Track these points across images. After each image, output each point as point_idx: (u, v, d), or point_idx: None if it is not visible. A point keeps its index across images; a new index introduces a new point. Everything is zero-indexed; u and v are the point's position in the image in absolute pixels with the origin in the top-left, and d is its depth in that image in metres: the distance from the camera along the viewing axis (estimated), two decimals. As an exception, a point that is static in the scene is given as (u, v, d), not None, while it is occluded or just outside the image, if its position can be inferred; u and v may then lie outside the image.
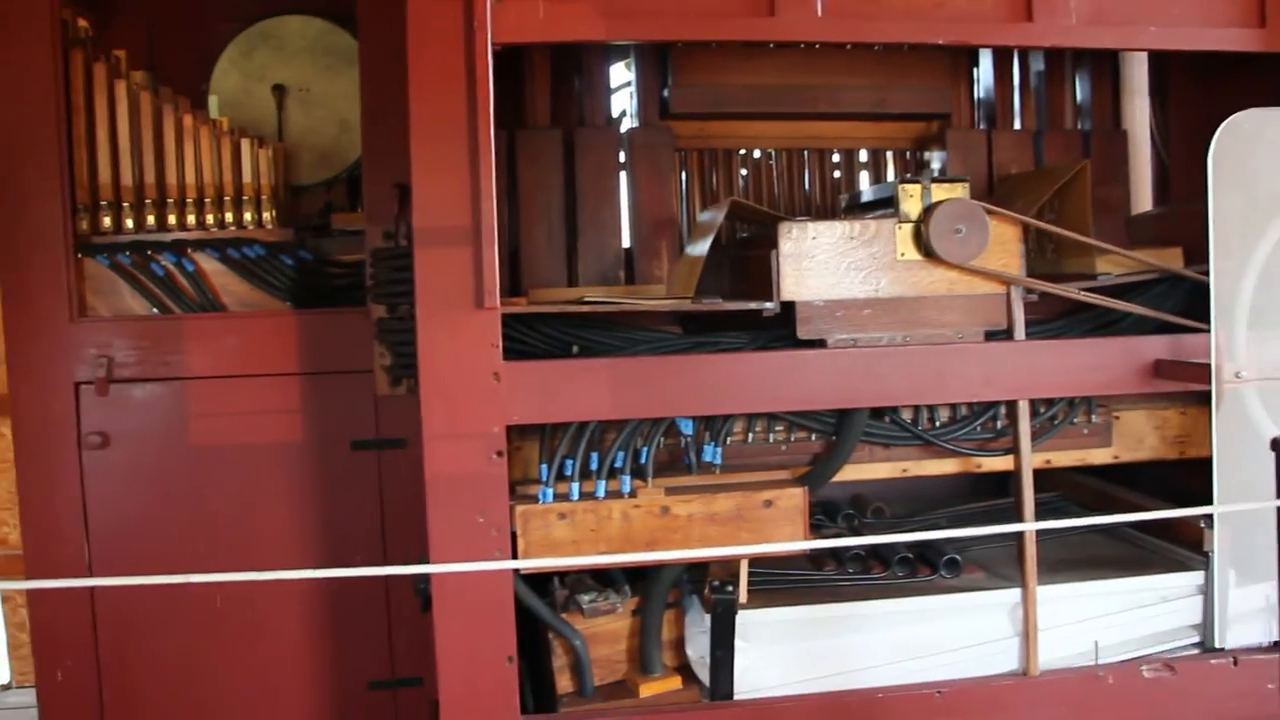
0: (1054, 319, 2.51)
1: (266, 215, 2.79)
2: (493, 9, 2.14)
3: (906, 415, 2.45)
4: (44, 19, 2.64)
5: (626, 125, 2.90)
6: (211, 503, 2.77)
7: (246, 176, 2.79)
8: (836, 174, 3.00)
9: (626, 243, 2.76)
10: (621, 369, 2.23)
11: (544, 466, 2.28)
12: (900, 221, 2.31)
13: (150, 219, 2.77)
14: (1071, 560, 2.55)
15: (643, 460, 2.29)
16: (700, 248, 2.43)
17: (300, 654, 2.80)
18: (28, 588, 2.69)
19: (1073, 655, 2.40)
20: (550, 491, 2.25)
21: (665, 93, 2.75)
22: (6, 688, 3.67)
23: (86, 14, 2.83)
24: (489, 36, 2.14)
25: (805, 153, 2.98)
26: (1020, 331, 2.35)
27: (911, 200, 2.33)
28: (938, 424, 2.46)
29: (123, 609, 2.72)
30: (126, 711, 2.76)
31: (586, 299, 2.34)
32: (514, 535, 2.23)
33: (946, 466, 2.50)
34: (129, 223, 2.76)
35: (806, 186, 2.98)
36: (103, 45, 2.81)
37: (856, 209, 2.80)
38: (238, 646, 2.78)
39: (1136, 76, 3.02)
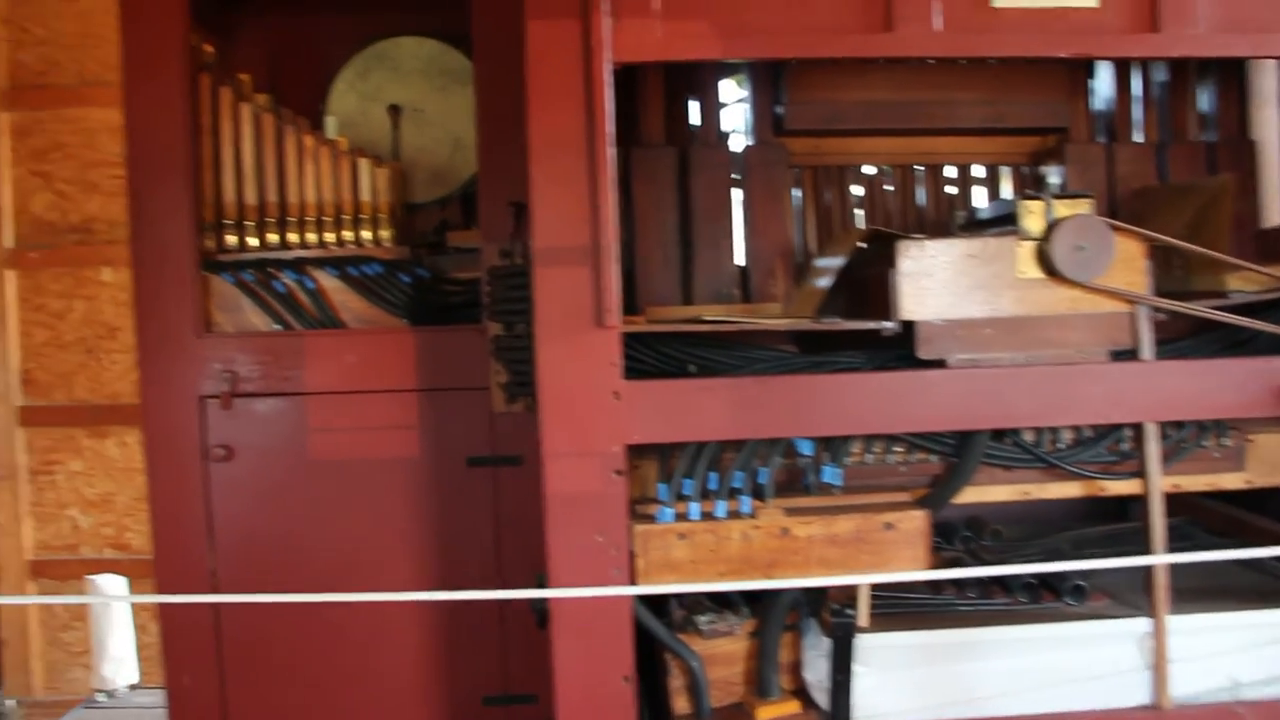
0: (1181, 338, 2.42)
1: (384, 233, 2.83)
2: (611, 29, 2.16)
3: (1028, 437, 2.38)
4: (177, 45, 2.72)
5: (739, 142, 2.89)
6: (330, 515, 2.81)
7: (364, 195, 2.84)
8: (950, 190, 2.94)
9: (740, 260, 2.74)
10: (741, 389, 2.22)
11: (662, 486, 2.27)
12: (1021, 239, 2.26)
13: (272, 237, 2.83)
14: (1202, 589, 2.45)
15: (761, 480, 2.27)
16: (826, 278, 2.42)
17: (415, 667, 2.83)
18: (157, 601, 2.76)
19: (1207, 690, 2.31)
20: (670, 511, 2.24)
21: (779, 109, 2.73)
22: (135, 688, 3.79)
23: (212, 38, 2.91)
24: (607, 56, 2.15)
25: (919, 168, 2.93)
26: (1148, 351, 2.28)
27: (1033, 217, 2.28)
28: (1060, 446, 2.40)
29: (246, 617, 2.77)
30: (250, 717, 2.82)
31: (706, 318, 2.33)
32: (632, 555, 2.23)
33: (1069, 490, 2.43)
34: (252, 241, 2.83)
35: (920, 202, 2.93)
36: (227, 69, 2.89)
37: (974, 226, 2.75)
38: (355, 657, 2.82)
39: (1266, 85, 2.91)
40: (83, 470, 4.19)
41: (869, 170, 2.94)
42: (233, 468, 2.81)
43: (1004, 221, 2.44)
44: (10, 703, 4.16)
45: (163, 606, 2.85)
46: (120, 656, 3.77)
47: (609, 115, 2.14)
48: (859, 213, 2.92)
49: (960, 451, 2.36)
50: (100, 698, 3.76)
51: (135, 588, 3.92)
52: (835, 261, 2.46)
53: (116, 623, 3.75)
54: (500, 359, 2.65)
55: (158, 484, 2.82)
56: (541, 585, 2.38)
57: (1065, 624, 2.33)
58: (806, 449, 2.32)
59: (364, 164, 2.83)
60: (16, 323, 4.11)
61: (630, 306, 2.70)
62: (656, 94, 2.74)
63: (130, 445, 4.11)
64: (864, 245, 2.44)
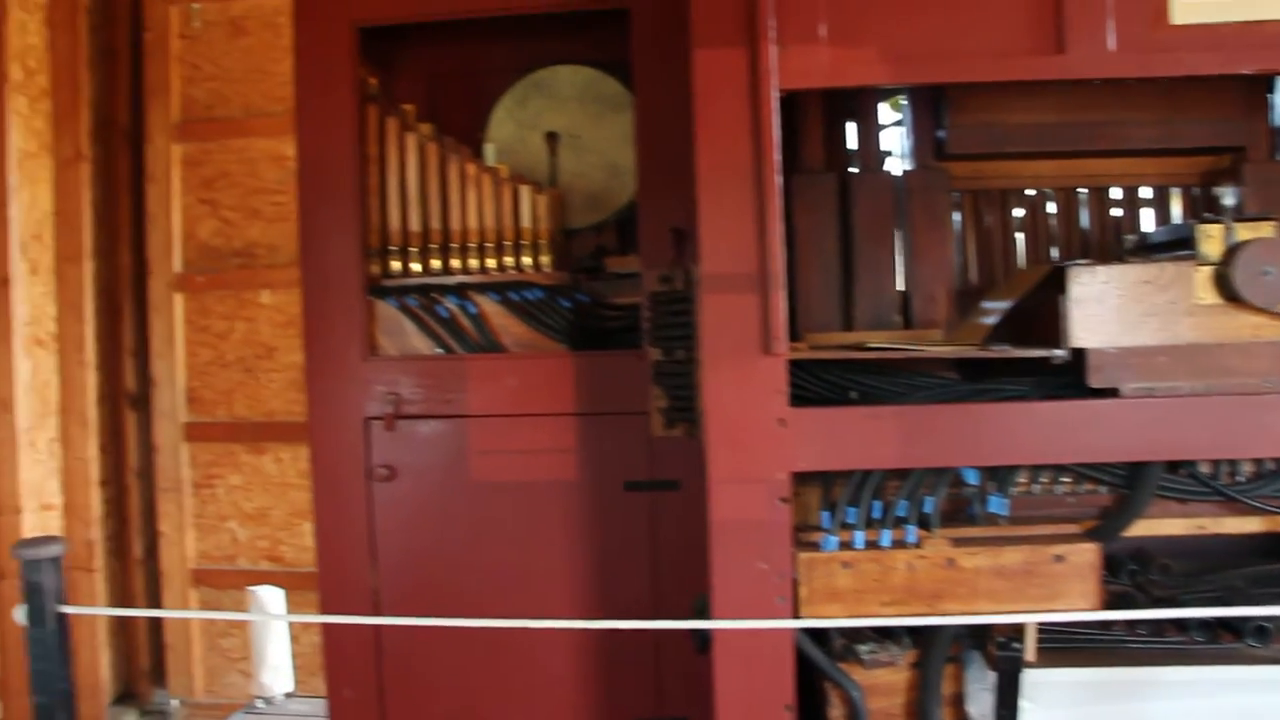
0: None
1: (544, 259, 2.89)
2: (777, 56, 2.17)
3: (1205, 469, 2.30)
4: (346, 79, 2.84)
5: (897, 166, 2.87)
6: (490, 536, 2.88)
7: (525, 221, 2.90)
8: (1116, 212, 2.86)
9: (901, 285, 2.72)
10: (907, 417, 2.20)
11: (826, 514, 2.27)
12: (1198, 264, 2.19)
13: (435, 263, 2.92)
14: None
15: (927, 510, 2.25)
16: (999, 307, 2.38)
17: (570, 685, 2.87)
18: (322, 620, 2.86)
19: None
20: (834, 539, 2.24)
21: (940, 133, 2.70)
22: (290, 695, 3.94)
23: (375, 71, 3.02)
24: (774, 83, 2.17)
25: (1083, 191, 2.86)
26: (1340, 381, 2.18)
27: (1212, 241, 2.20)
28: (1240, 479, 2.31)
29: (406, 634, 2.85)
30: (409, 731, 2.90)
31: (870, 344, 2.32)
32: (795, 582, 2.22)
33: (1249, 525, 2.33)
34: (416, 266, 2.92)
35: (1084, 226, 2.86)
36: (391, 100, 2.99)
37: (1145, 250, 2.66)
38: (511, 674, 2.88)
39: None
40: (241, 484, 4.36)
41: (1030, 193, 2.88)
42: (395, 487, 2.90)
43: (1177, 245, 2.37)
44: (175, 702, 4.36)
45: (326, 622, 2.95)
46: (278, 665, 3.92)
47: (776, 143, 2.16)
48: (1019, 236, 2.87)
49: (1132, 483, 2.29)
50: (259, 704, 3.90)
51: (289, 599, 4.06)
52: (1004, 304, 2.42)
53: (274, 633, 3.89)
54: (660, 384, 2.68)
55: (323, 502, 2.93)
56: (701, 608, 2.40)
57: (1248, 667, 2.24)
58: (972, 478, 2.28)
59: (524, 190, 2.90)
60: (183, 342, 4.31)
61: (790, 332, 2.70)
62: (816, 119, 2.74)
63: (285, 461, 4.27)
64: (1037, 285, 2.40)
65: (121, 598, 4.41)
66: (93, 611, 4.17)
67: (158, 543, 4.42)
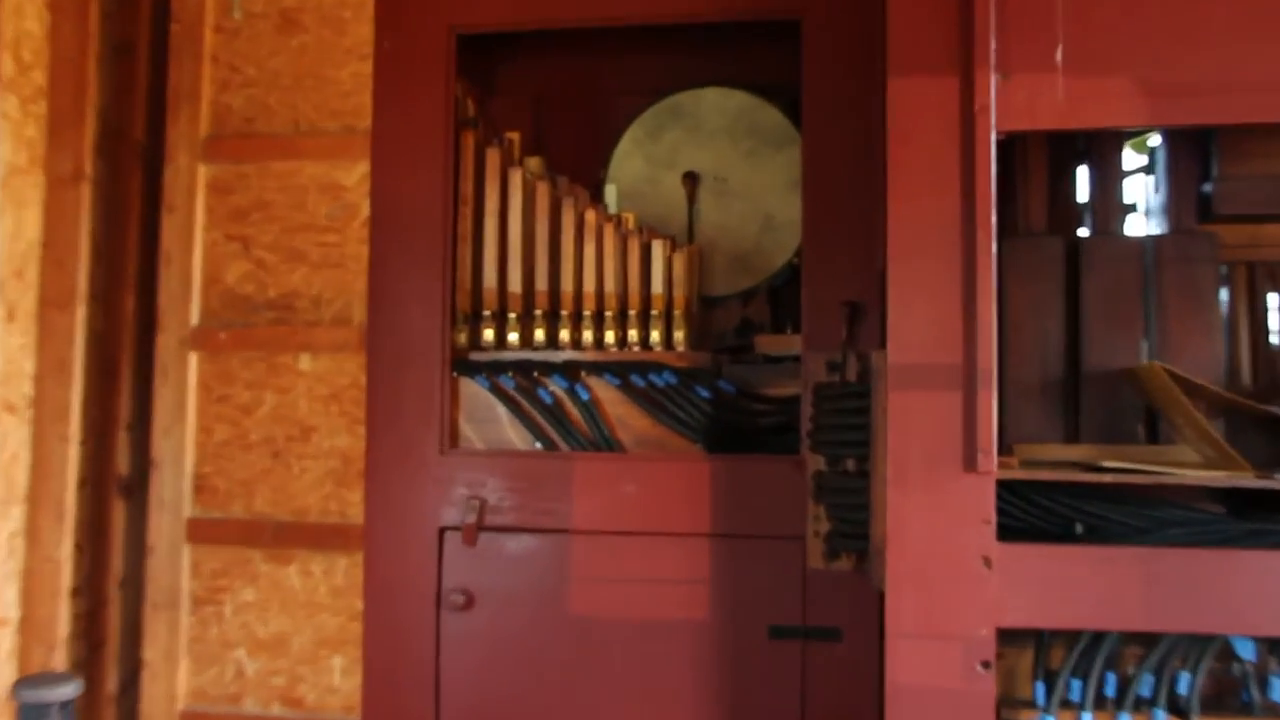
0: None
1: (677, 334, 3.02)
2: (998, 89, 2.26)
3: None
4: (440, 98, 3.03)
5: (1143, 227, 2.93)
6: (589, 686, 2.97)
7: (655, 285, 3.04)
8: None
9: (1146, 387, 2.75)
10: (1156, 563, 2.23)
11: (1040, 686, 2.31)
12: None
13: (540, 334, 3.07)
14: None
15: (1181, 690, 2.27)
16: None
17: None
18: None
19: None
20: (1052, 721, 2.27)
21: (1206, 186, 2.75)
22: None
23: (474, 89, 3.19)
24: (993, 122, 2.26)
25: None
26: None
27: None
28: None
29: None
30: None
31: (1106, 463, 2.36)
32: (998, 773, 2.26)
33: None
34: (514, 337, 3.07)
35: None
36: (491, 125, 3.16)
37: None
38: None
39: None
40: (255, 601, 4.47)
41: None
42: (471, 619, 3.02)
43: None
44: None
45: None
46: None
47: (992, 200, 2.24)
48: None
49: None
50: None
51: (311, 757, 4.15)
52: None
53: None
54: (822, 501, 2.75)
55: (376, 632, 3.07)
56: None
57: None
58: (1246, 651, 2.31)
59: (656, 246, 3.04)
60: (195, 415, 4.47)
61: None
62: (1039, 166, 2.82)
63: (315, 575, 4.39)
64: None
65: (86, 747, 4.53)
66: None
67: (140, 674, 4.53)
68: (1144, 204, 3.03)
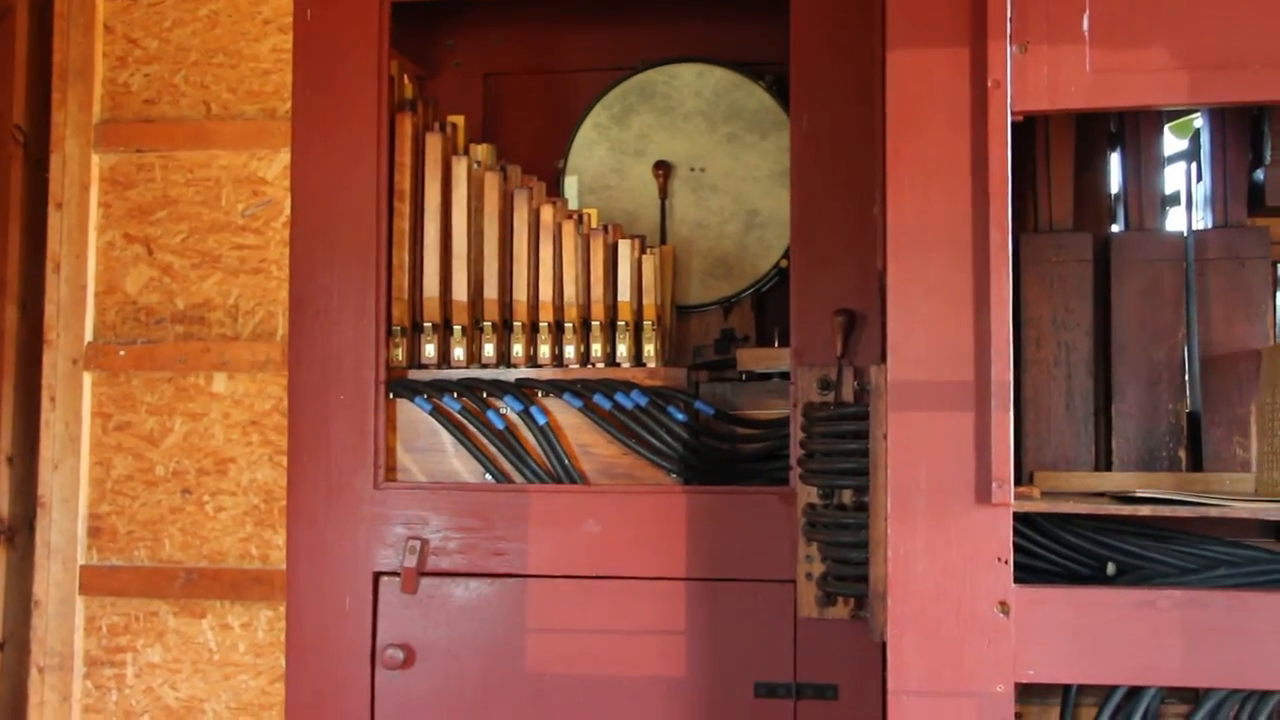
0: None
1: (649, 348, 3.04)
2: (1014, 62, 2.29)
3: None
4: (371, 76, 3.04)
5: (1184, 222, 2.97)
6: (552, 759, 2.98)
7: (623, 293, 3.06)
8: None
9: (1188, 404, 2.79)
10: (1201, 608, 2.24)
11: (1068, 751, 2.35)
12: None
13: (488, 349, 3.09)
14: None
15: (1231, 756, 2.31)
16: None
17: None
18: None
19: None
20: (1082, 791, 2.30)
21: (1259, 174, 2.78)
22: None
23: (410, 65, 3.21)
24: (1008, 101, 2.28)
25: None
26: None
27: None
28: None
29: None
30: None
31: (1142, 493, 2.39)
32: None
33: None
34: (459, 353, 3.09)
35: None
36: (432, 107, 3.18)
37: None
38: None
39: None
40: (163, 662, 4.47)
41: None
42: (411, 679, 3.02)
43: None
44: None
45: None
46: None
47: (1007, 191, 2.26)
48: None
49: None
50: None
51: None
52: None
53: None
54: (815, 539, 2.77)
55: (300, 696, 3.07)
56: None
57: None
58: (1308, 709, 2.34)
59: (623, 246, 3.06)
60: (90, 446, 4.47)
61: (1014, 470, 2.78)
62: (1064, 152, 2.84)
63: (234, 630, 4.40)
64: None
65: None
66: None
67: (24, 755, 4.52)
68: (1185, 195, 3.05)
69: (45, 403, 4.45)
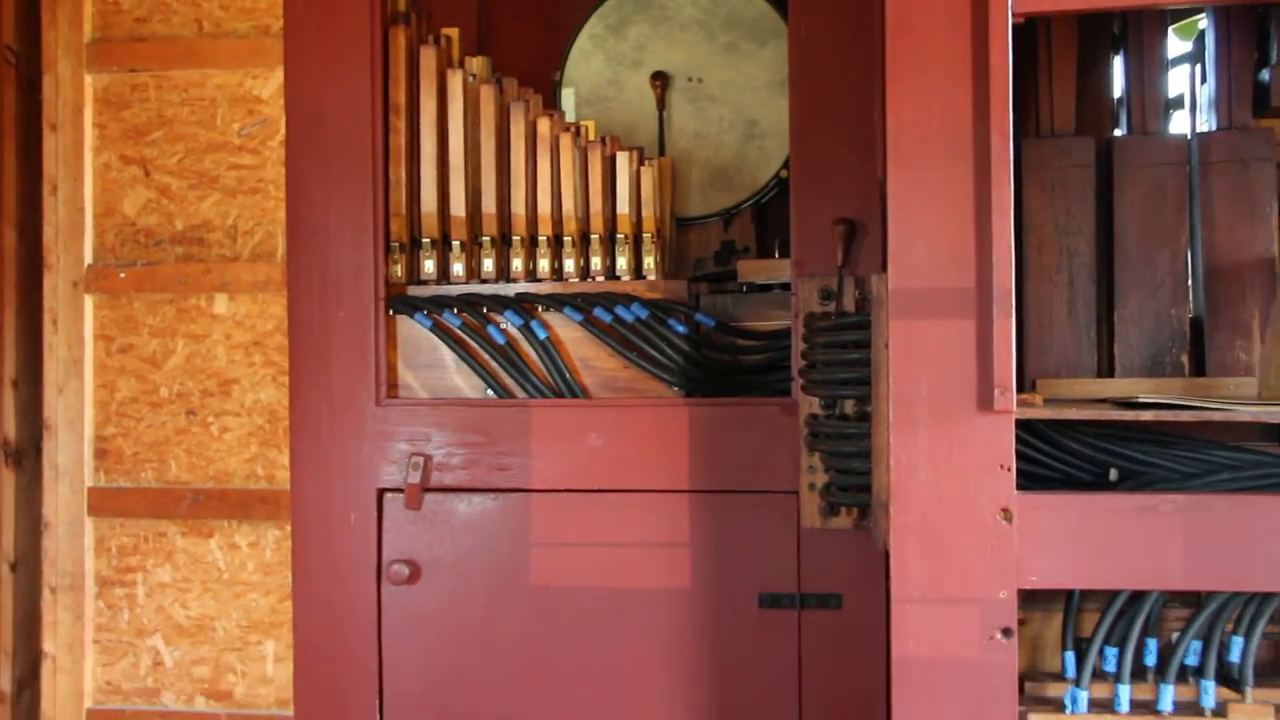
0: None
1: (649, 261, 3.03)
2: (1015, -36, 2.26)
3: None
4: (360, -17, 3.01)
5: (1188, 125, 2.94)
6: (554, 666, 3.01)
7: (622, 206, 3.04)
8: None
9: (1191, 309, 2.78)
10: (1203, 512, 2.24)
11: (1069, 656, 2.35)
12: None
13: (487, 264, 3.08)
14: None
15: (1234, 658, 2.31)
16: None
17: None
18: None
19: None
20: (1084, 696, 2.31)
21: (1265, 74, 2.75)
22: None
23: (404, -25, 3.17)
24: (1009, 5, 2.25)
25: None
26: None
27: None
28: None
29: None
30: None
31: (1145, 398, 2.38)
32: (1022, 757, 2.30)
33: None
34: (459, 269, 3.08)
35: None
36: (426, 20, 3.15)
37: None
38: None
39: None
40: (172, 582, 4.50)
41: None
42: (417, 594, 3.04)
43: None
44: None
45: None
46: None
47: (1009, 96, 2.24)
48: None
49: None
50: None
51: (242, 756, 4.19)
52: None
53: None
54: (817, 450, 2.77)
55: (307, 613, 3.09)
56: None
57: None
58: (1309, 612, 2.35)
59: (621, 158, 3.03)
60: (94, 369, 4.47)
61: (1017, 378, 2.77)
62: (1066, 55, 2.81)
63: (241, 549, 4.42)
64: None
65: (-28, 761, 4.55)
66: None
67: (39, 668, 4.56)
68: (1189, 98, 3.02)
69: (47, 326, 4.45)
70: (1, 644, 4.53)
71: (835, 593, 2.89)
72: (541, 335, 3.04)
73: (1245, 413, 2.31)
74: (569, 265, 3.07)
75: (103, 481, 4.49)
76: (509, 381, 3.06)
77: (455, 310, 3.06)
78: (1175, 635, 2.34)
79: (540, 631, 3.01)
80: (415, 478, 3.00)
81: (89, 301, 4.44)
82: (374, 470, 3.04)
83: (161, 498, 4.44)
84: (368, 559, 3.05)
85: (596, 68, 3.25)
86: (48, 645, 4.50)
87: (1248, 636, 2.31)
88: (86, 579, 4.52)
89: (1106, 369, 2.74)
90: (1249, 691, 2.30)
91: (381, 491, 3.04)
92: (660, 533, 2.96)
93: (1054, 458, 2.44)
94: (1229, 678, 2.32)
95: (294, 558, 3.09)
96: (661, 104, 3.23)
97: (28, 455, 4.54)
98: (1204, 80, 2.92)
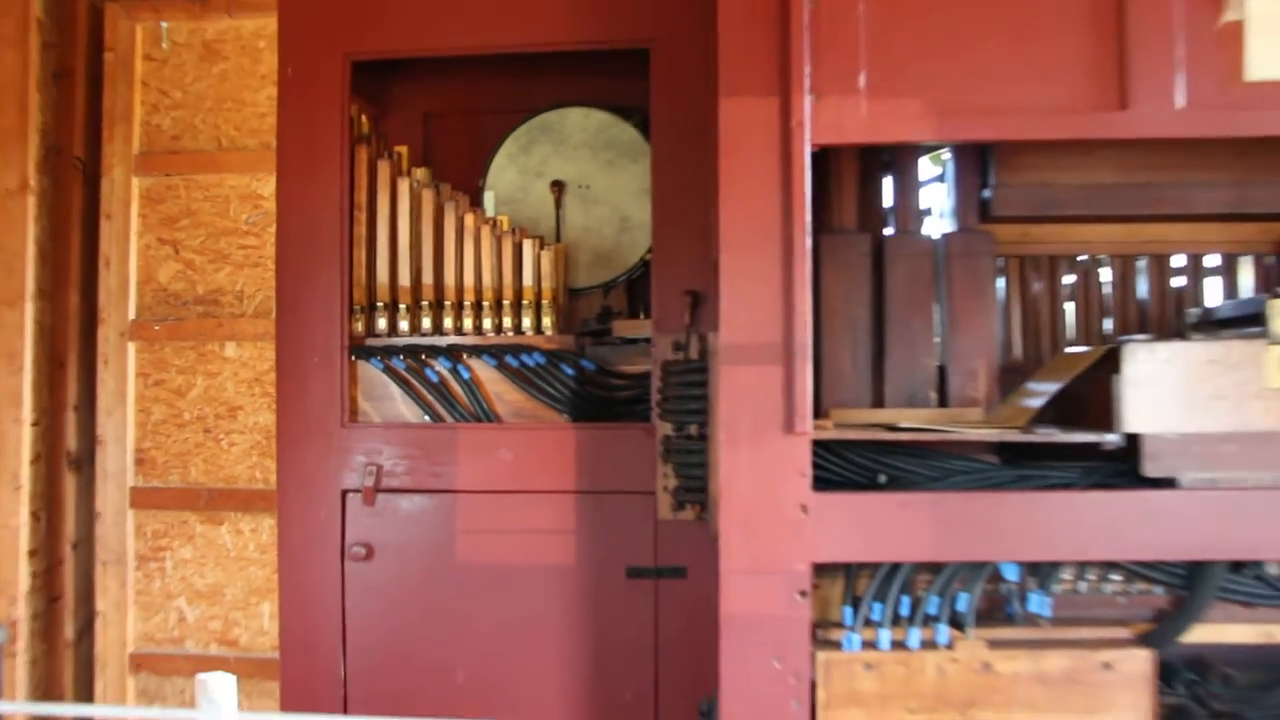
0: None
1: (546, 320, 3.04)
2: (811, 109, 2.31)
3: (1274, 570, 2.39)
4: (336, 117, 3.00)
5: (937, 227, 2.99)
6: (474, 624, 2.99)
7: (527, 279, 3.06)
8: (1178, 282, 2.98)
9: (938, 359, 2.82)
10: (942, 505, 2.30)
11: (848, 610, 2.38)
12: (1271, 342, 2.28)
13: (426, 322, 3.08)
14: None
15: (960, 608, 2.35)
16: (1047, 389, 2.49)
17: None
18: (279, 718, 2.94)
19: None
20: (856, 638, 2.34)
21: (986, 192, 2.81)
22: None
23: (366, 107, 3.17)
24: (807, 136, 2.30)
25: (1142, 259, 2.98)
26: None
27: (1285, 319, 2.31)
28: (1315, 582, 2.39)
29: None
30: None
31: (903, 424, 2.43)
32: (813, 684, 2.32)
33: (1325, 634, 2.42)
34: (404, 325, 3.08)
35: (1143, 297, 2.98)
36: (383, 140, 3.15)
37: (1210, 326, 2.78)
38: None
39: None
40: (193, 558, 4.44)
41: (1083, 259, 2.99)
42: (372, 569, 3.02)
43: (1247, 321, 2.47)
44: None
45: (287, 704, 3.04)
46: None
47: (807, 203, 2.28)
48: (1070, 307, 2.99)
49: (1191, 584, 2.38)
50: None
51: (243, 688, 4.13)
52: (1053, 386, 2.53)
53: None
54: (669, 462, 2.80)
55: (289, 581, 3.05)
56: (707, 711, 2.49)
57: (1318, 791, 2.32)
58: (1011, 574, 2.39)
59: (527, 244, 3.06)
60: (135, 398, 4.42)
61: (815, 409, 2.80)
62: (850, 174, 2.86)
63: (244, 534, 4.37)
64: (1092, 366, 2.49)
65: (48, 687, 4.47)
66: (11, 709, 4.21)
67: (93, 623, 4.49)
68: (938, 208, 3.08)
69: (100, 366, 4.43)
70: (66, 603, 4.48)
71: (682, 566, 2.92)
72: (466, 375, 3.04)
73: (972, 434, 2.40)
74: (487, 323, 3.07)
75: (141, 482, 4.44)
76: (441, 410, 3.05)
77: (401, 356, 3.05)
78: (922, 593, 2.38)
79: (464, 597, 3.00)
80: (370, 482, 2.99)
81: (131, 347, 4.40)
82: (339, 476, 3.03)
83: (185, 495, 4.40)
84: (334, 542, 3.03)
85: (511, 177, 3.26)
86: (100, 605, 4.45)
87: (971, 592, 2.36)
88: (128, 555, 4.47)
89: (879, 401, 2.78)
90: (970, 631, 2.35)
91: (345, 492, 3.03)
92: (553, 522, 2.96)
93: (840, 467, 2.47)
94: (957, 622, 2.36)
95: (279, 542, 3.06)
96: (558, 204, 3.25)
97: (85, 462, 4.50)
98: (948, 195, 2.97)
